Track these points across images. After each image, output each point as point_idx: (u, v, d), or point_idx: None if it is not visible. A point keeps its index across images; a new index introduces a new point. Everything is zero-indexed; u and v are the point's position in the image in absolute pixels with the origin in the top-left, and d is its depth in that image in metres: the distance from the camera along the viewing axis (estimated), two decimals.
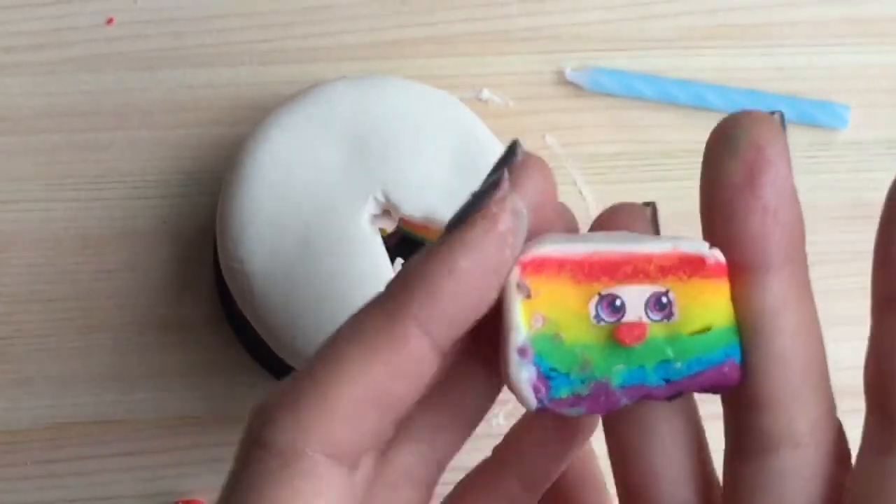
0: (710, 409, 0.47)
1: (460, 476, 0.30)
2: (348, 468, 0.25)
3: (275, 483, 0.24)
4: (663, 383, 0.26)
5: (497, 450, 0.30)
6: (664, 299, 0.27)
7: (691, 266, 0.27)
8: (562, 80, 0.48)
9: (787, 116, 0.49)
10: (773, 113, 0.26)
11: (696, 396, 0.27)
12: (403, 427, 0.27)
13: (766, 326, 0.26)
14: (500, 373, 0.26)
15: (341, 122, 0.42)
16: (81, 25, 0.48)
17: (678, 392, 0.26)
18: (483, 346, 0.27)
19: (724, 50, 0.48)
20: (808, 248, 0.49)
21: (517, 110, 0.47)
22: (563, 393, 0.26)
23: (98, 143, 0.47)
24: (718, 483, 0.27)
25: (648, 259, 0.27)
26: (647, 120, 0.47)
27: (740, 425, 0.26)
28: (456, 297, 0.25)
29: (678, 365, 0.26)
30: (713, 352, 0.27)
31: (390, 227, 0.42)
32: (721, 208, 0.27)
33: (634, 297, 0.27)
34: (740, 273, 0.26)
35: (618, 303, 0.26)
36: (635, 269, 0.27)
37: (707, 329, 0.27)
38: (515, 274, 0.26)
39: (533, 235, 0.27)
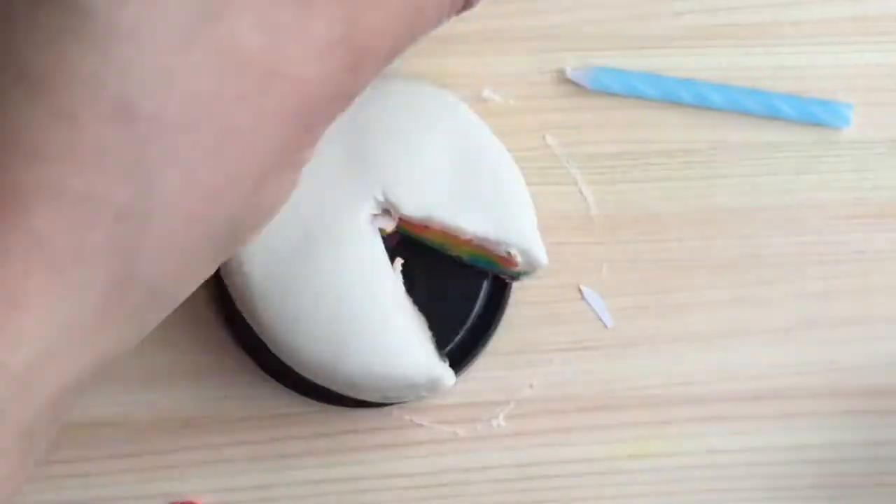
0: (711, 409, 0.48)
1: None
2: None
3: None
4: None
5: None
6: None
7: None
8: (562, 79, 0.47)
9: (789, 115, 0.50)
10: None
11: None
12: None
13: None
14: None
15: (341, 122, 0.41)
16: None
17: None
18: None
19: (726, 49, 0.48)
20: (810, 248, 0.49)
21: (518, 109, 0.47)
22: None
23: None
24: None
25: None
26: (648, 119, 0.47)
27: None
28: None
29: None
30: None
31: (390, 226, 0.42)
32: None
33: None
34: None
35: None
36: None
37: None
38: None
39: None
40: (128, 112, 0.26)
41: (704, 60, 0.48)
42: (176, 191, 0.27)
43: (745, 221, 0.47)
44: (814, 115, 0.47)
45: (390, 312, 0.41)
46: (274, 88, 0.28)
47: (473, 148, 0.42)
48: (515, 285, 0.45)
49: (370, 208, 0.41)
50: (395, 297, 0.41)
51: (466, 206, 0.42)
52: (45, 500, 0.45)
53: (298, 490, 0.46)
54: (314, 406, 0.45)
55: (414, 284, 0.43)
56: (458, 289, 0.45)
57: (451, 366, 0.42)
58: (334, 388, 0.42)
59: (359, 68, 0.30)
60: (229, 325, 0.46)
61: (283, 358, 0.42)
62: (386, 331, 0.40)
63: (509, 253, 0.42)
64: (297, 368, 0.42)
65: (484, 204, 0.42)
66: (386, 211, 0.42)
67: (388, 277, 0.41)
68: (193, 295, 0.46)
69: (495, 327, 0.45)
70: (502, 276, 0.45)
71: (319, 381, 0.42)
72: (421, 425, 0.46)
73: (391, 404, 0.45)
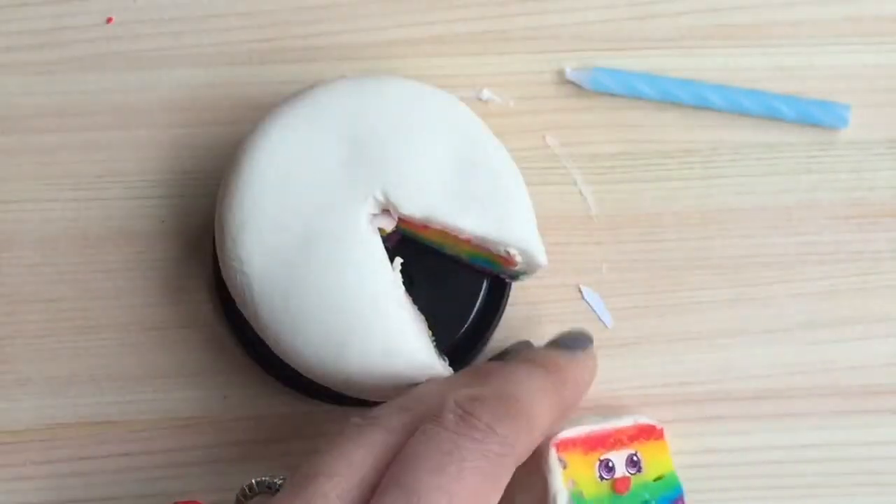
0: (711, 409, 0.48)
1: None
2: None
3: None
4: None
5: None
6: (635, 458, 0.43)
7: (646, 433, 0.43)
8: (562, 80, 0.47)
9: (788, 116, 0.50)
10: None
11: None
12: None
13: None
14: None
15: (341, 122, 0.42)
16: (81, 25, 0.48)
17: None
18: None
19: (725, 49, 0.48)
20: (809, 248, 0.50)
21: (517, 110, 0.47)
22: None
23: (97, 143, 0.47)
24: None
25: (622, 432, 0.43)
26: (647, 120, 0.47)
27: None
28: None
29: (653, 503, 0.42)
30: (670, 491, 0.43)
31: (390, 226, 0.42)
32: None
33: (619, 459, 0.42)
34: None
35: (610, 464, 0.42)
36: (615, 440, 0.42)
37: (661, 476, 0.43)
38: (553, 452, 0.41)
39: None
40: None
41: (704, 61, 0.48)
42: None
43: (744, 221, 0.47)
44: (812, 115, 0.47)
45: (390, 312, 0.41)
46: None
47: (473, 148, 0.42)
48: (515, 285, 0.45)
49: (370, 208, 0.41)
50: (394, 296, 0.41)
51: (466, 206, 0.42)
52: (45, 500, 0.45)
53: None
54: (314, 406, 0.45)
55: (414, 284, 0.43)
56: (458, 289, 0.45)
57: (451, 366, 0.42)
58: (334, 388, 0.42)
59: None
60: (229, 325, 0.46)
61: (284, 358, 0.42)
62: (386, 331, 0.40)
63: (509, 253, 0.42)
64: (297, 368, 0.42)
65: (484, 204, 0.42)
66: (386, 211, 0.42)
67: (388, 277, 0.41)
68: (193, 295, 0.46)
69: (495, 327, 0.45)
70: (502, 276, 0.45)
71: (319, 381, 0.42)
72: None
73: None
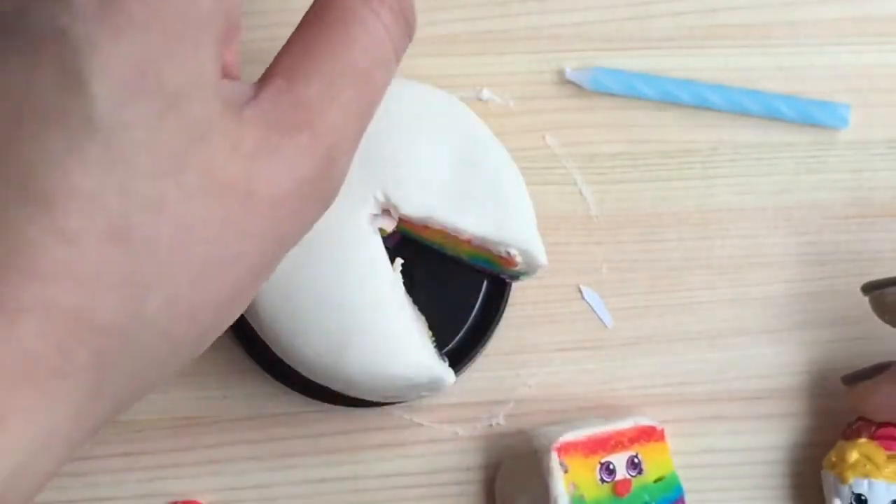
0: (711, 409, 0.48)
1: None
2: None
3: None
4: None
5: None
6: (636, 460, 0.42)
7: (647, 434, 0.43)
8: (562, 80, 0.47)
9: (788, 116, 0.50)
10: None
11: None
12: None
13: None
14: None
15: None
16: None
17: None
18: None
19: (725, 49, 0.48)
20: (809, 248, 0.49)
21: (517, 110, 0.47)
22: None
23: None
24: None
25: (623, 434, 0.42)
26: (647, 120, 0.47)
27: None
28: None
29: None
30: (671, 492, 0.43)
31: (390, 226, 0.42)
32: None
33: (619, 461, 0.42)
34: None
35: (611, 467, 0.42)
36: (616, 442, 0.42)
37: (662, 478, 0.43)
38: (554, 456, 0.40)
39: None
40: (124, 233, 0.26)
41: (704, 61, 0.48)
42: (157, 311, 0.28)
43: (744, 221, 0.47)
44: (812, 115, 0.47)
45: (390, 312, 0.41)
46: (253, 210, 0.29)
47: (473, 148, 0.42)
48: (515, 285, 0.45)
49: (370, 208, 0.41)
50: (395, 297, 0.41)
51: (466, 206, 0.41)
52: (45, 500, 0.45)
53: (298, 489, 0.46)
54: (314, 406, 0.45)
55: (414, 284, 0.43)
56: (458, 289, 0.45)
57: (451, 366, 0.42)
58: (334, 387, 0.42)
59: (331, 169, 0.31)
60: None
61: (284, 358, 0.42)
62: (386, 331, 0.40)
63: (509, 253, 0.42)
64: (297, 368, 0.42)
65: (484, 204, 0.42)
66: (386, 211, 0.42)
67: (388, 277, 0.41)
68: None
69: (495, 327, 0.45)
70: (502, 276, 0.45)
71: (319, 381, 0.42)
72: (421, 425, 0.46)
73: (391, 404, 0.45)
